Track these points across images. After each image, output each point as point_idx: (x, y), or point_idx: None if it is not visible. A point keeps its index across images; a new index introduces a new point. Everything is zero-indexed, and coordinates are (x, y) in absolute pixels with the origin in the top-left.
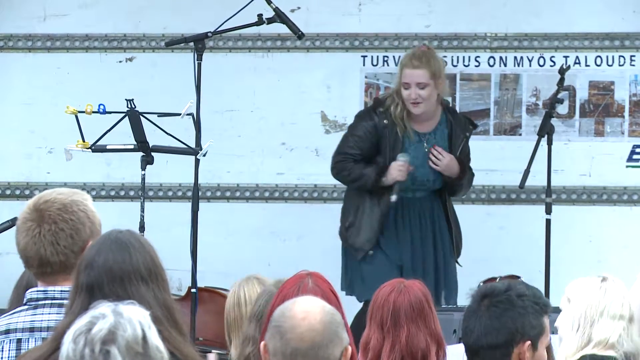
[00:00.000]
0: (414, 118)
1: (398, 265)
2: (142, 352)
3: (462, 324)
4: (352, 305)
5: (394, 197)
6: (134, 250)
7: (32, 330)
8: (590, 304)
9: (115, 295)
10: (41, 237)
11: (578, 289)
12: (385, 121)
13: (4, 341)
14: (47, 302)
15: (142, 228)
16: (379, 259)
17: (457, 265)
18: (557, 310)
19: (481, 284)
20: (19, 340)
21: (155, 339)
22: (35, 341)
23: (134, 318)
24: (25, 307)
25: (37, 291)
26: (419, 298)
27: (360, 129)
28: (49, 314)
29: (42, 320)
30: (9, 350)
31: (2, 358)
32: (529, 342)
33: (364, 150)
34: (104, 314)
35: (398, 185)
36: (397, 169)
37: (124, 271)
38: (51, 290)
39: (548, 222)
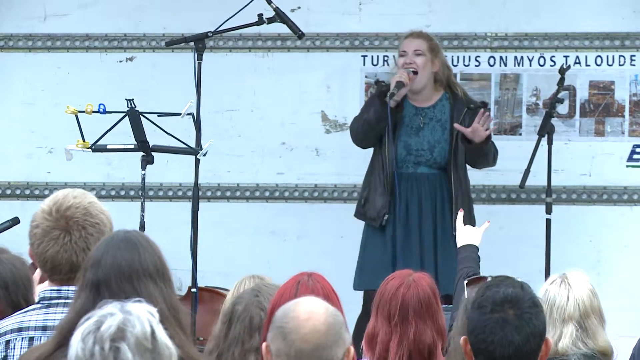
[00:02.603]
0: (410, 95)
1: (393, 250)
2: (151, 348)
3: (482, 336)
4: (355, 305)
5: (390, 96)
6: (143, 249)
7: (44, 329)
8: None
9: (123, 292)
10: (72, 244)
11: None
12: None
13: (15, 339)
14: (60, 301)
15: (142, 228)
16: (375, 246)
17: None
18: None
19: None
20: (31, 339)
21: (163, 335)
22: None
23: (142, 315)
24: (39, 305)
25: (51, 290)
26: (427, 294)
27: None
28: (62, 313)
29: (54, 320)
30: (21, 348)
31: (13, 356)
32: (550, 339)
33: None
34: (111, 312)
35: (397, 88)
36: (400, 72)
37: (132, 269)
38: (65, 290)
39: (548, 222)
